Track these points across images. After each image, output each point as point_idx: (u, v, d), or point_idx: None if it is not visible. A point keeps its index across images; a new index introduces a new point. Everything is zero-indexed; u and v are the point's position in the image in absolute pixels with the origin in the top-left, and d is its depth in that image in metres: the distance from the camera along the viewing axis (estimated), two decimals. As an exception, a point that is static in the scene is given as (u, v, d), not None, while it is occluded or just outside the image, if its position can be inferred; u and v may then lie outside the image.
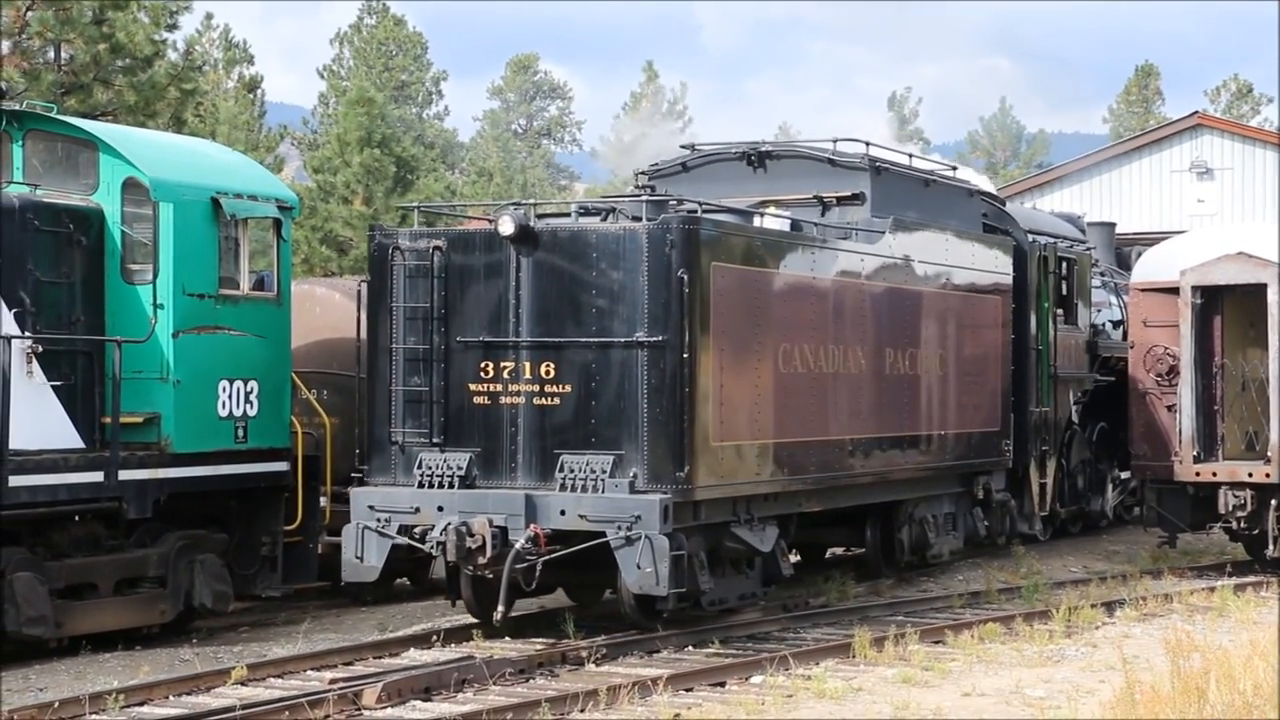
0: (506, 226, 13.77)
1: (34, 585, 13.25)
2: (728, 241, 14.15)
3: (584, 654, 13.33)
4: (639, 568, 13.11)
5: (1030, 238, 20.20)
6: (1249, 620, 15.41)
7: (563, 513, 13.38)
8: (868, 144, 17.08)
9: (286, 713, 11.23)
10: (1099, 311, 22.97)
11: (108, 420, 13.83)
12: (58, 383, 13.70)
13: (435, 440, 14.00)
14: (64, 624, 13.58)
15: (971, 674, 13.10)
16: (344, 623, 15.74)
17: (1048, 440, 20.40)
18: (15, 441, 13.05)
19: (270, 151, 50.72)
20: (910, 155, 18.28)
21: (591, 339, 13.64)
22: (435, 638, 14.00)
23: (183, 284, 14.16)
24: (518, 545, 13.24)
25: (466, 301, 14.04)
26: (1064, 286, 21.17)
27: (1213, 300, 19.30)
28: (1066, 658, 13.93)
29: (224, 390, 14.61)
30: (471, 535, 13.33)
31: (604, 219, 14.52)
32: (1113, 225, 26.75)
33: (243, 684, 12.34)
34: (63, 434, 13.71)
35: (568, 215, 15.02)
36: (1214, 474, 18.92)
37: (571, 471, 13.50)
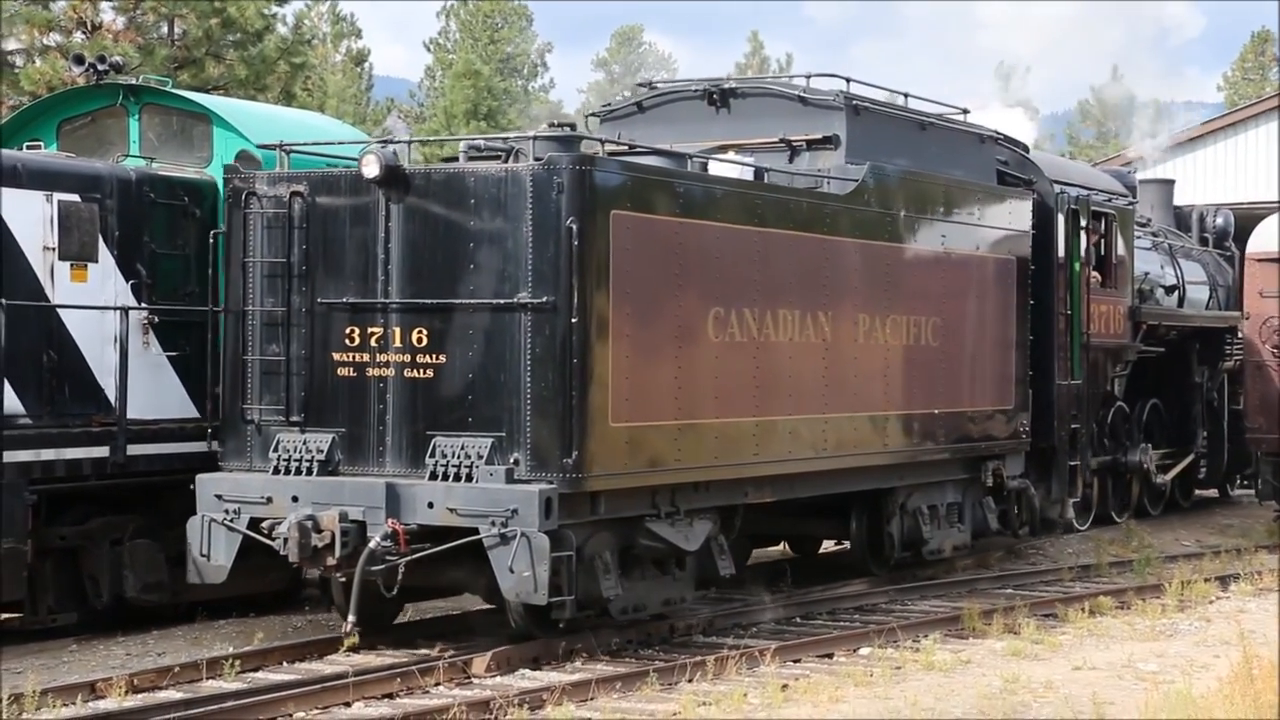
0: (371, 168, 11.88)
1: (152, 552, 13.49)
2: (637, 186, 12.05)
3: (691, 626, 13.34)
4: (513, 571, 11.26)
5: (1058, 189, 17.80)
6: (1368, 596, 15.15)
7: (430, 505, 11.52)
8: (848, 80, 15.12)
9: (398, 680, 11.35)
10: (1147, 275, 20.59)
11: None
12: (173, 353, 13.89)
13: (294, 419, 12.28)
14: (180, 591, 13.81)
15: (1082, 648, 12.98)
16: (453, 591, 15.85)
17: (1079, 417, 18.14)
18: (133, 410, 13.27)
19: (377, 124, 51.11)
20: (906, 96, 15.94)
21: (469, 300, 11.74)
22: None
23: (294, 256, 14.27)
24: (372, 544, 11.47)
25: (330, 256, 12.22)
26: (1101, 244, 18.94)
27: (1331, 270, 18.94)
28: (1179, 632, 13.76)
29: (335, 361, 14.71)
30: (318, 531, 11.61)
31: (505, 161, 12.26)
32: (1171, 183, 24.11)
33: (354, 651, 12.45)
34: (178, 404, 13.91)
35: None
36: (1332, 447, 18.59)
37: (444, 457, 11.64)
